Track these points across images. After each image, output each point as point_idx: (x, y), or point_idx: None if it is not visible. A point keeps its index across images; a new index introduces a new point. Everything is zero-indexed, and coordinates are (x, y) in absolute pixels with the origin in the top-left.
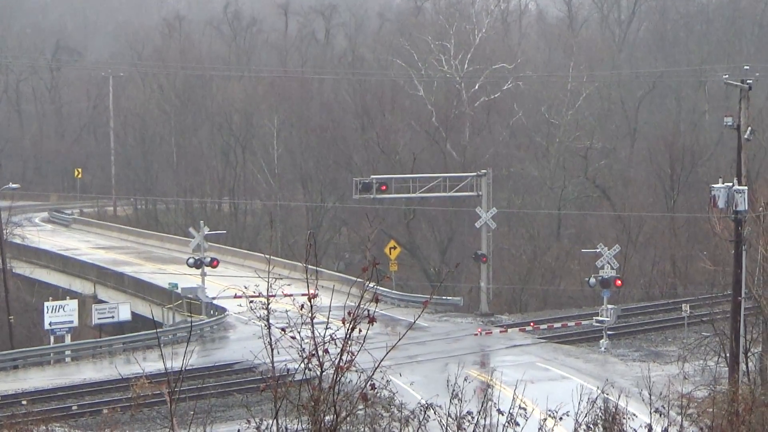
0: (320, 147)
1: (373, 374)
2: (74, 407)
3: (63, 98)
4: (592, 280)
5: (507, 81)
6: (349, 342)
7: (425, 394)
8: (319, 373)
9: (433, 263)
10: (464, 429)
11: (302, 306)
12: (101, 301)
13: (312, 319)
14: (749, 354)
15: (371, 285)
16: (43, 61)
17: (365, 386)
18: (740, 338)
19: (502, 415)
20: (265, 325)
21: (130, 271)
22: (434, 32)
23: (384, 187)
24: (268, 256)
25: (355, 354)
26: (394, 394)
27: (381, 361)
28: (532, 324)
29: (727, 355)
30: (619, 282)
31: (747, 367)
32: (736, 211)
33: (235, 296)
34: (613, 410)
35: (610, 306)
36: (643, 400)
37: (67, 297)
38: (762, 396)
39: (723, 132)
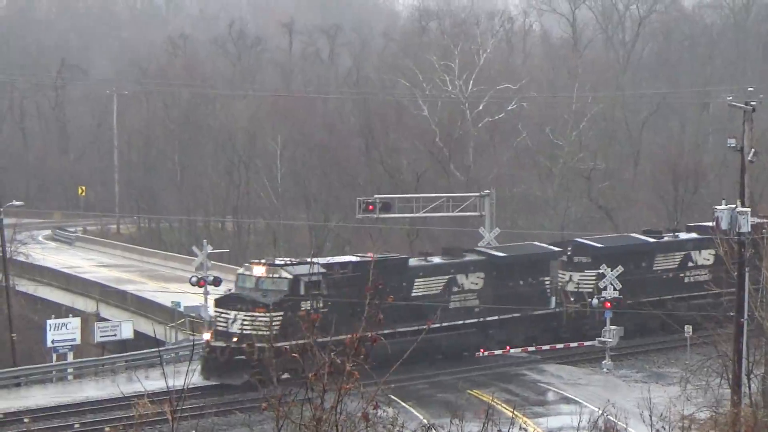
0: (324, 166)
1: (375, 395)
2: (76, 425)
3: (67, 116)
4: (595, 301)
5: (511, 101)
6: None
7: (427, 414)
8: (321, 392)
9: None
10: None
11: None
12: (104, 319)
13: (315, 338)
14: (752, 376)
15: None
16: (47, 78)
17: (367, 406)
18: (743, 360)
19: None
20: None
21: (133, 289)
22: (438, 52)
23: (387, 207)
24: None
25: (358, 374)
26: (396, 413)
27: (383, 380)
28: (534, 344)
29: (730, 376)
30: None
31: (750, 388)
32: (739, 233)
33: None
34: (614, 430)
35: (612, 327)
36: (644, 421)
37: (70, 315)
38: (764, 418)
39: (726, 154)
